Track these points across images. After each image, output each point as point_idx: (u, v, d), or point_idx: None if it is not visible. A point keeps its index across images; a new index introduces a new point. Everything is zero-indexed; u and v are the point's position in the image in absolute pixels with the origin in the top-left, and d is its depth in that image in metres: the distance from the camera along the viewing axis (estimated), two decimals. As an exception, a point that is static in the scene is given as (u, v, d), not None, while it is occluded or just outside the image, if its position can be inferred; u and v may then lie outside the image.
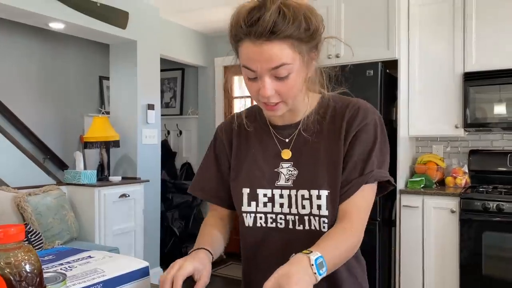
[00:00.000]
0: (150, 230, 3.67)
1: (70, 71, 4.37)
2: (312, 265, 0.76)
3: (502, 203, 2.65)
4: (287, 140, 0.99)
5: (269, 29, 0.79)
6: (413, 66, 3.18)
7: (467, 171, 3.19)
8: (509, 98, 2.88)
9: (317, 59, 0.91)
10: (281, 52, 0.81)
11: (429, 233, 2.90)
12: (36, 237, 2.60)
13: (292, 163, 0.96)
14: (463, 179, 3.11)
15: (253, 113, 1.06)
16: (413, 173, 3.33)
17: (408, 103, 3.19)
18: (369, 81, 2.86)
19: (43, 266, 0.77)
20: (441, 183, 3.24)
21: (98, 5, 3.19)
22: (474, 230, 2.73)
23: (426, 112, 3.15)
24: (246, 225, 0.99)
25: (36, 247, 2.55)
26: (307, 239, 0.91)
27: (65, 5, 2.97)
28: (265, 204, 0.97)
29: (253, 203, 0.98)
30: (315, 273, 0.75)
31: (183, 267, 0.83)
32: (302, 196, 0.93)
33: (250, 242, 1.01)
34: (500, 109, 2.91)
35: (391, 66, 3.04)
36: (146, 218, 3.55)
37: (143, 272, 0.85)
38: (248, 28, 0.81)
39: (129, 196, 3.33)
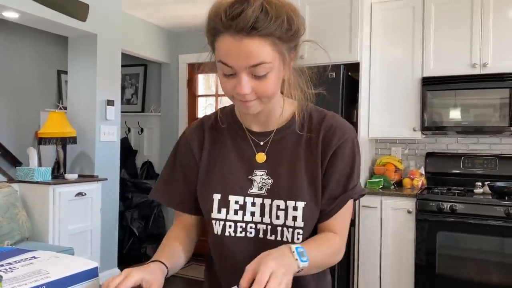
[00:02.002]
0: (108, 230, 3.56)
1: (26, 64, 4.18)
2: (293, 252, 0.79)
3: (455, 204, 2.74)
4: (262, 143, 0.96)
5: (251, 24, 0.77)
6: (374, 69, 3.25)
7: (423, 172, 3.29)
8: (463, 103, 2.99)
9: (295, 61, 0.90)
10: (261, 49, 0.79)
11: (387, 232, 2.97)
12: (-17, 237, 2.46)
13: (266, 171, 0.94)
14: (419, 181, 3.21)
15: (227, 115, 1.01)
16: (372, 174, 3.40)
17: (369, 105, 3.26)
18: (331, 83, 2.89)
19: (-20, 268, 0.72)
20: (399, 184, 3.33)
21: (56, -5, 3.06)
22: (429, 230, 2.81)
23: (386, 114, 3.23)
24: (215, 232, 0.95)
25: (-17, 248, 2.41)
26: None
27: (20, -6, 2.83)
28: (236, 212, 0.93)
29: (224, 210, 0.94)
30: (296, 259, 0.78)
31: (130, 275, 0.79)
32: (278, 206, 0.91)
33: (220, 251, 0.97)
34: (455, 114, 3.02)
35: (353, 69, 3.09)
36: (104, 217, 3.44)
37: (92, 273, 0.81)
38: (229, 21, 0.78)
39: (85, 194, 3.22)
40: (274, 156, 0.95)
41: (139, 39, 4.29)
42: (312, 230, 0.94)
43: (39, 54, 4.28)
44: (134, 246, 4.27)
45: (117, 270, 3.68)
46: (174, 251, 0.96)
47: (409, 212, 2.89)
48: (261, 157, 0.95)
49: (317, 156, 0.93)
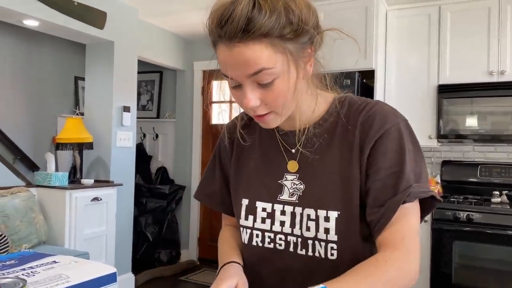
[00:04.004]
0: (122, 235, 3.59)
1: (44, 71, 4.26)
2: None
3: (472, 213, 2.70)
4: (293, 150, 0.85)
5: (241, 27, 0.66)
6: (389, 76, 3.24)
7: (439, 181, 3.25)
8: (480, 111, 2.95)
9: (315, 55, 0.77)
10: (258, 54, 0.67)
11: (402, 241, 2.94)
12: (2, 240, 2.50)
13: (298, 175, 0.83)
14: (435, 189, 3.17)
15: None
16: (387, 182, 3.37)
17: (384, 113, 3.24)
18: (345, 90, 2.88)
19: (3, 271, 0.74)
20: (414, 192, 3.29)
21: (76, 4, 3.12)
22: (445, 239, 2.77)
23: (401, 122, 3.20)
24: (242, 240, 0.87)
25: (1, 251, 2.45)
26: (308, 266, 0.80)
27: (40, 2, 2.90)
28: (263, 220, 0.84)
29: (251, 217, 0.85)
30: None
31: (227, 282, 0.76)
32: (308, 216, 0.79)
33: (247, 260, 0.89)
34: (471, 122, 2.98)
35: (368, 76, 3.08)
36: (119, 222, 3.47)
37: (111, 278, 0.82)
38: (219, 29, 0.68)
39: (101, 199, 3.25)
40: (306, 158, 0.83)
41: (155, 46, 4.34)
42: (371, 245, 0.80)
43: (57, 61, 4.37)
44: (148, 251, 4.30)
45: (131, 275, 3.70)
46: (236, 246, 0.92)
47: (424, 221, 2.86)
48: (293, 166, 0.84)
49: (352, 153, 0.78)
